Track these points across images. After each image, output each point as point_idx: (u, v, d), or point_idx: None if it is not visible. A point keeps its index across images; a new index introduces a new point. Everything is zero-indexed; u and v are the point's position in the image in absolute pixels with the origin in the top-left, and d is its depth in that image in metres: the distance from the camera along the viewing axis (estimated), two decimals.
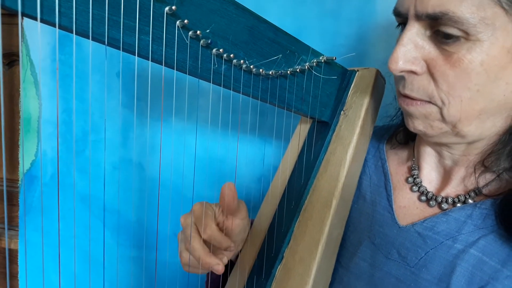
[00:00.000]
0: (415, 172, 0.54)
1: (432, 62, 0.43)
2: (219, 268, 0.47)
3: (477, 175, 0.49)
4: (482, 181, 0.48)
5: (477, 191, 0.48)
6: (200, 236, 0.48)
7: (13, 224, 1.07)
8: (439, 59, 0.42)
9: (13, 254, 1.07)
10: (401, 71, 0.45)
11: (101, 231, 1.00)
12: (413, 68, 0.44)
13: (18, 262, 1.06)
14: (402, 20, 0.46)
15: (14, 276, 1.07)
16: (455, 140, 0.48)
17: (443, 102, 0.44)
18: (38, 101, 0.99)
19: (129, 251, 1.00)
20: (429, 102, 0.45)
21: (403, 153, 0.58)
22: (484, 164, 0.48)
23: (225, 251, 0.50)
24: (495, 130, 0.46)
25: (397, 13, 0.46)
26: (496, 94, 0.42)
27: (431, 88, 0.44)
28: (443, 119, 0.45)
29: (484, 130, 0.45)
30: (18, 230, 1.06)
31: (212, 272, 0.61)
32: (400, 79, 0.47)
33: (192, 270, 0.51)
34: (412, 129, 0.49)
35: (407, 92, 0.46)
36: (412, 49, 0.44)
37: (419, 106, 0.46)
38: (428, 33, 0.43)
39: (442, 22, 0.40)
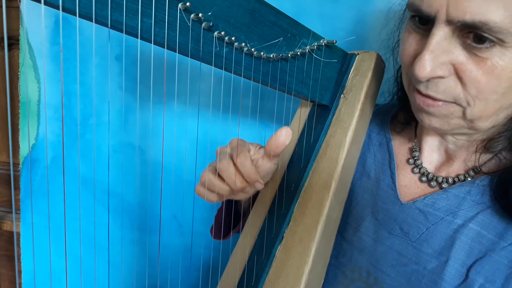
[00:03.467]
0: (416, 153, 0.56)
1: (461, 66, 0.41)
2: (250, 191, 0.49)
3: (477, 156, 0.50)
4: (480, 161, 0.50)
5: (476, 170, 0.50)
6: (233, 163, 0.50)
7: (15, 207, 1.08)
8: (468, 64, 0.41)
9: (16, 237, 1.08)
10: (429, 78, 0.43)
11: (103, 214, 1.01)
12: (441, 73, 0.42)
13: (21, 244, 1.07)
14: (423, 17, 0.44)
15: (17, 258, 1.09)
16: (467, 132, 0.48)
17: (468, 103, 0.43)
18: (37, 84, 0.99)
19: (131, 234, 1.02)
20: (453, 102, 0.44)
21: (405, 134, 0.59)
22: (485, 146, 0.49)
23: (252, 184, 0.51)
24: (502, 118, 0.46)
25: (418, 10, 0.43)
26: None
27: (458, 90, 0.43)
28: (464, 117, 0.45)
29: (496, 122, 0.46)
30: (20, 213, 1.07)
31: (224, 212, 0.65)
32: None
33: (206, 194, 0.52)
34: (427, 126, 0.49)
35: (431, 93, 0.45)
36: (440, 54, 0.42)
37: (442, 107, 0.45)
38: (456, 36, 0.41)
39: (480, 30, 0.38)
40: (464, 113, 0.44)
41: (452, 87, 0.43)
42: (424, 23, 0.44)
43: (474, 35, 0.39)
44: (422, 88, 0.45)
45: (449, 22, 0.40)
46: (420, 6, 0.42)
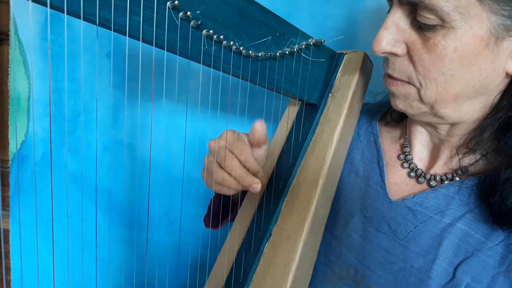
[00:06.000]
0: (407, 149, 0.56)
1: (411, 45, 0.45)
2: (258, 187, 0.51)
3: (460, 157, 0.51)
4: (468, 161, 0.51)
5: (463, 170, 0.51)
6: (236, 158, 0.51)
7: (4, 204, 1.08)
8: (418, 43, 0.45)
9: (5, 233, 1.07)
10: (383, 53, 0.47)
11: (92, 211, 1.01)
12: (394, 50, 0.46)
13: (10, 241, 1.06)
14: (391, 4, 0.48)
15: (6, 255, 1.08)
16: (436, 120, 0.50)
17: (420, 84, 0.46)
18: (27, 81, 0.98)
19: (120, 231, 1.01)
20: (408, 82, 0.48)
21: (396, 131, 0.60)
22: (468, 146, 0.50)
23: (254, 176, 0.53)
24: (475, 115, 0.48)
25: None
26: (470, 79, 0.44)
27: (410, 69, 0.46)
28: (421, 99, 0.47)
29: (462, 113, 0.48)
30: (9, 210, 1.06)
31: (219, 200, 0.66)
32: (385, 59, 0.50)
33: (219, 188, 0.54)
34: (394, 107, 0.52)
35: (389, 71, 0.49)
36: (394, 32, 0.46)
37: (399, 86, 0.49)
38: (410, 18, 0.45)
39: (420, 8, 0.42)
40: (420, 96, 0.47)
41: (406, 66, 0.47)
42: None
43: (422, 18, 0.43)
44: (385, 67, 0.50)
45: (400, 2, 0.44)
46: None
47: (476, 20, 0.41)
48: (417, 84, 0.47)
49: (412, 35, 0.45)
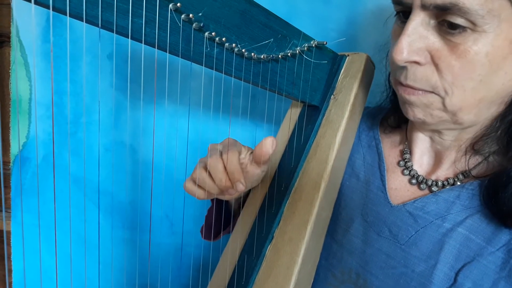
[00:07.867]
0: (407, 156, 0.56)
1: (436, 53, 0.43)
2: (232, 192, 0.49)
3: (467, 158, 0.50)
4: (470, 164, 0.50)
5: (465, 174, 0.50)
6: (222, 161, 0.50)
7: (5, 206, 1.08)
8: (444, 50, 0.42)
9: (7, 235, 1.07)
10: (406, 62, 0.45)
11: (94, 213, 1.00)
12: (417, 58, 0.44)
13: (11, 243, 1.06)
14: (402, 8, 0.46)
15: (7, 257, 1.08)
16: (453, 127, 0.49)
17: (446, 92, 0.44)
18: (29, 82, 0.98)
19: (122, 232, 1.01)
20: (431, 92, 0.45)
21: (396, 137, 0.60)
22: (473, 147, 0.49)
23: (234, 184, 0.51)
24: (489, 116, 0.47)
25: (397, 1, 0.45)
26: (495, 83, 0.43)
27: (435, 78, 0.44)
28: (444, 108, 0.46)
29: (479, 118, 0.47)
30: (10, 212, 1.06)
31: (214, 208, 0.65)
32: (400, 69, 0.47)
33: (195, 190, 0.52)
34: (411, 118, 0.49)
35: (410, 82, 0.46)
36: (416, 39, 0.43)
37: (421, 96, 0.46)
38: (432, 23, 0.43)
39: (451, 12, 0.40)
40: (444, 104, 0.45)
41: (429, 75, 0.44)
42: (407, 16, 0.45)
43: (448, 22, 0.41)
44: (402, 78, 0.47)
45: (424, 7, 0.42)
46: None
47: (506, 23, 0.39)
48: (442, 93, 0.44)
49: (436, 42, 0.43)
